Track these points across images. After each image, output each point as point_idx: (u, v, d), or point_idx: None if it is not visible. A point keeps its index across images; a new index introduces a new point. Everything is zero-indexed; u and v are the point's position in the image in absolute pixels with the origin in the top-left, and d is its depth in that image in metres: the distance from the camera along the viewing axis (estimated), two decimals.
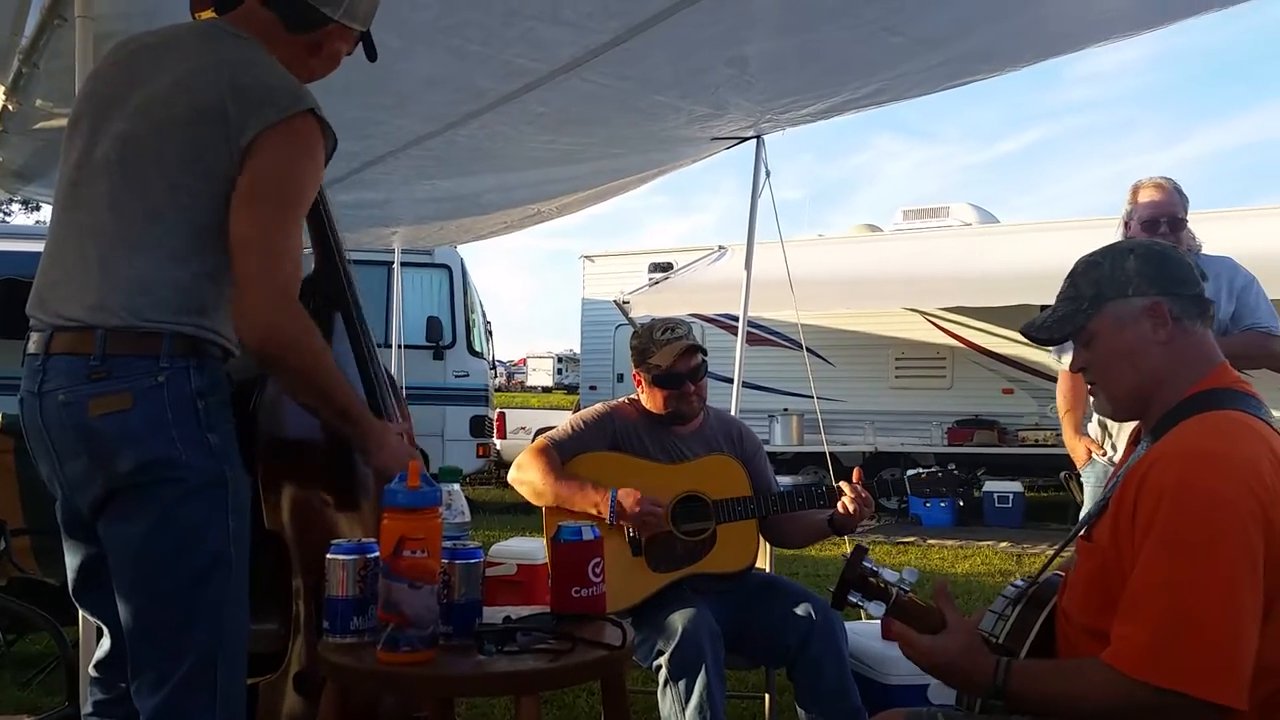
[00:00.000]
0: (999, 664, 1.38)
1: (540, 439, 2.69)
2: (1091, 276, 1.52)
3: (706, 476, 2.63)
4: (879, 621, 2.88)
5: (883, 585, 1.49)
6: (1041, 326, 1.57)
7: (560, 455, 2.62)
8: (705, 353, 2.71)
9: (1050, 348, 3.12)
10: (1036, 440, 8.86)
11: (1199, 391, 1.45)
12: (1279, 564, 1.30)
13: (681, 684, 2.31)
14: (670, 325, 2.69)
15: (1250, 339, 2.97)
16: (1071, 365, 1.59)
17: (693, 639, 2.32)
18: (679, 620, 2.36)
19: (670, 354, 2.62)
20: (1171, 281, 1.48)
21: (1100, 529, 1.46)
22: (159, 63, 1.63)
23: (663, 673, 2.34)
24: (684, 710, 2.30)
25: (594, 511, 2.50)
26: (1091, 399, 1.60)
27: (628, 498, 2.50)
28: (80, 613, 2.14)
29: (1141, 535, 1.34)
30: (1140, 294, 1.47)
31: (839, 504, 2.49)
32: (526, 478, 2.60)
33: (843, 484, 2.51)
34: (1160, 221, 3.00)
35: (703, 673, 2.30)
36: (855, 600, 1.42)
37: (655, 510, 2.50)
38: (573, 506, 2.53)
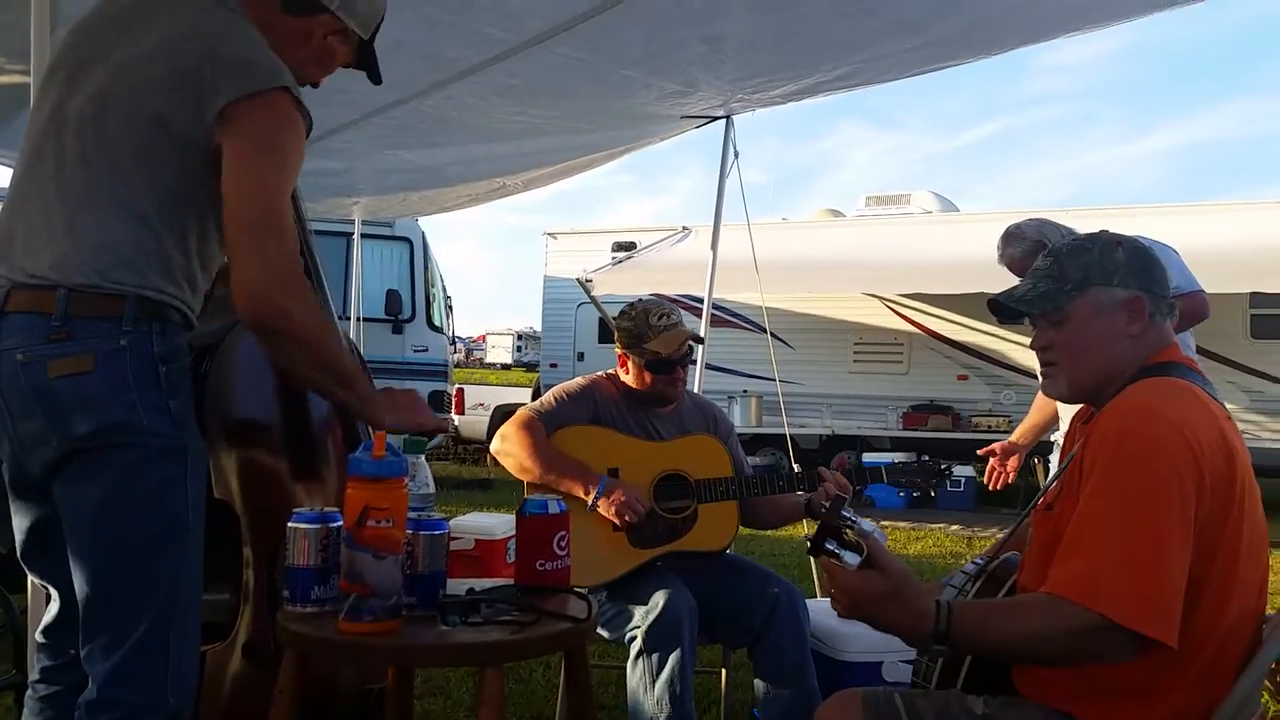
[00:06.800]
0: (939, 606, 1.36)
1: (524, 410, 2.66)
2: (1080, 260, 1.54)
3: (689, 455, 2.63)
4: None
5: (858, 539, 1.48)
6: (1021, 299, 1.57)
7: (546, 426, 2.60)
8: (700, 339, 2.72)
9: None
10: (989, 426, 9.01)
11: (1146, 366, 1.51)
12: (1212, 519, 1.36)
13: (655, 657, 2.32)
14: (665, 311, 2.67)
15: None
16: (1034, 342, 1.60)
17: (673, 614, 2.34)
18: (660, 595, 2.37)
19: (672, 342, 2.61)
20: (1153, 280, 1.53)
21: (1058, 499, 1.50)
22: (145, 23, 1.60)
23: (636, 644, 2.35)
24: (653, 684, 2.31)
25: (579, 495, 2.48)
26: (1044, 380, 1.62)
27: (615, 490, 2.48)
28: (29, 579, 2.10)
29: (1084, 484, 1.39)
30: (1124, 285, 1.51)
31: (820, 489, 2.53)
32: (512, 451, 2.57)
33: (823, 470, 2.56)
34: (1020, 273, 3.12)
35: (678, 649, 2.32)
36: (832, 548, 1.39)
37: (637, 509, 2.49)
38: (559, 488, 2.50)
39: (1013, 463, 3.35)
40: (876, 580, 1.35)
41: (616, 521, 2.48)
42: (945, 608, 1.35)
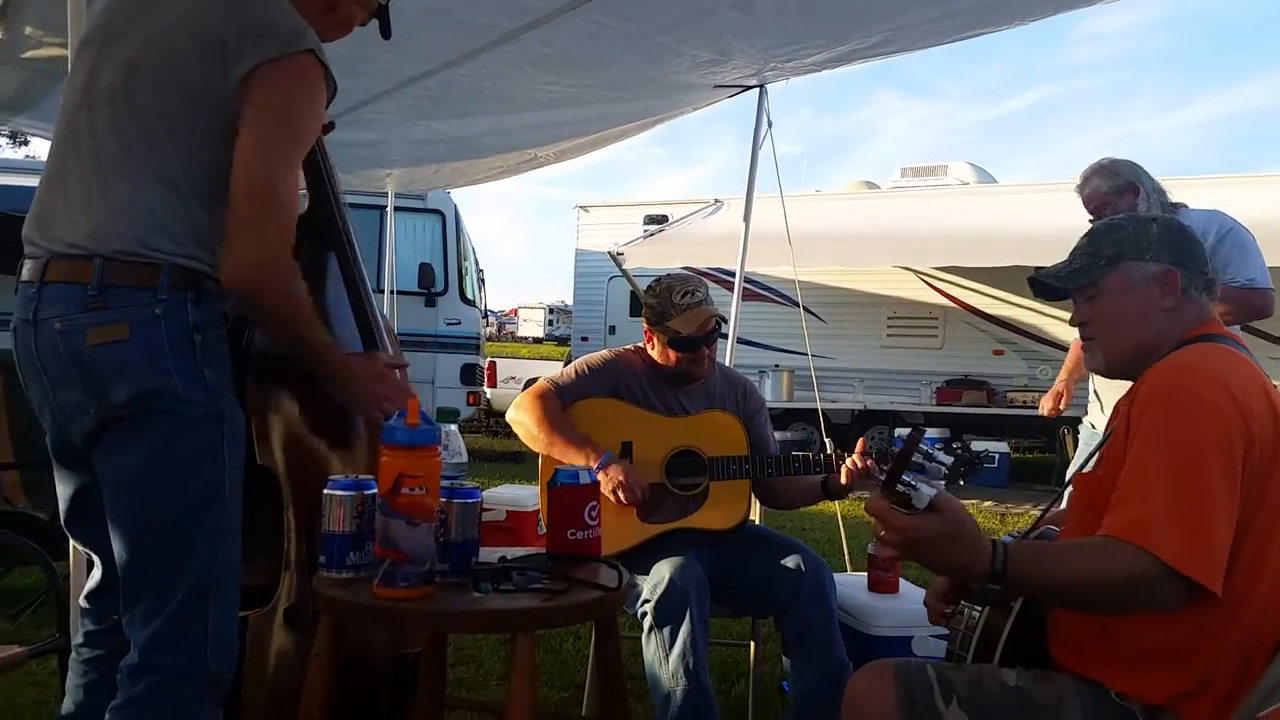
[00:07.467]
0: (996, 545, 1.34)
1: (542, 381, 2.66)
2: (1115, 237, 1.57)
3: (705, 432, 2.61)
4: (864, 575, 2.94)
5: (927, 481, 1.43)
6: (1057, 275, 1.61)
7: (561, 399, 2.60)
8: (724, 319, 2.68)
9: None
10: (1025, 401, 8.92)
11: (1185, 339, 1.51)
12: (1256, 481, 1.35)
13: (666, 631, 2.31)
14: (689, 288, 2.62)
15: (1227, 295, 2.98)
16: (1073, 318, 1.63)
17: (678, 587, 2.33)
18: (665, 568, 2.36)
19: (693, 322, 2.58)
20: (1188, 256, 1.54)
21: (1100, 463, 1.51)
22: None
23: (648, 619, 2.35)
24: (668, 657, 2.31)
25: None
26: (1084, 354, 1.63)
27: (613, 467, 2.47)
28: (70, 545, 2.14)
29: (1133, 437, 1.40)
30: (1157, 260, 1.53)
31: (843, 470, 2.48)
32: (523, 420, 2.58)
33: (844, 452, 2.51)
34: (1095, 215, 3.07)
35: (687, 620, 2.30)
36: (909, 480, 1.34)
37: (634, 489, 2.48)
38: (562, 460, 2.50)
39: (1063, 401, 3.61)
40: (935, 521, 1.32)
41: (612, 500, 2.48)
42: (1002, 547, 1.34)
